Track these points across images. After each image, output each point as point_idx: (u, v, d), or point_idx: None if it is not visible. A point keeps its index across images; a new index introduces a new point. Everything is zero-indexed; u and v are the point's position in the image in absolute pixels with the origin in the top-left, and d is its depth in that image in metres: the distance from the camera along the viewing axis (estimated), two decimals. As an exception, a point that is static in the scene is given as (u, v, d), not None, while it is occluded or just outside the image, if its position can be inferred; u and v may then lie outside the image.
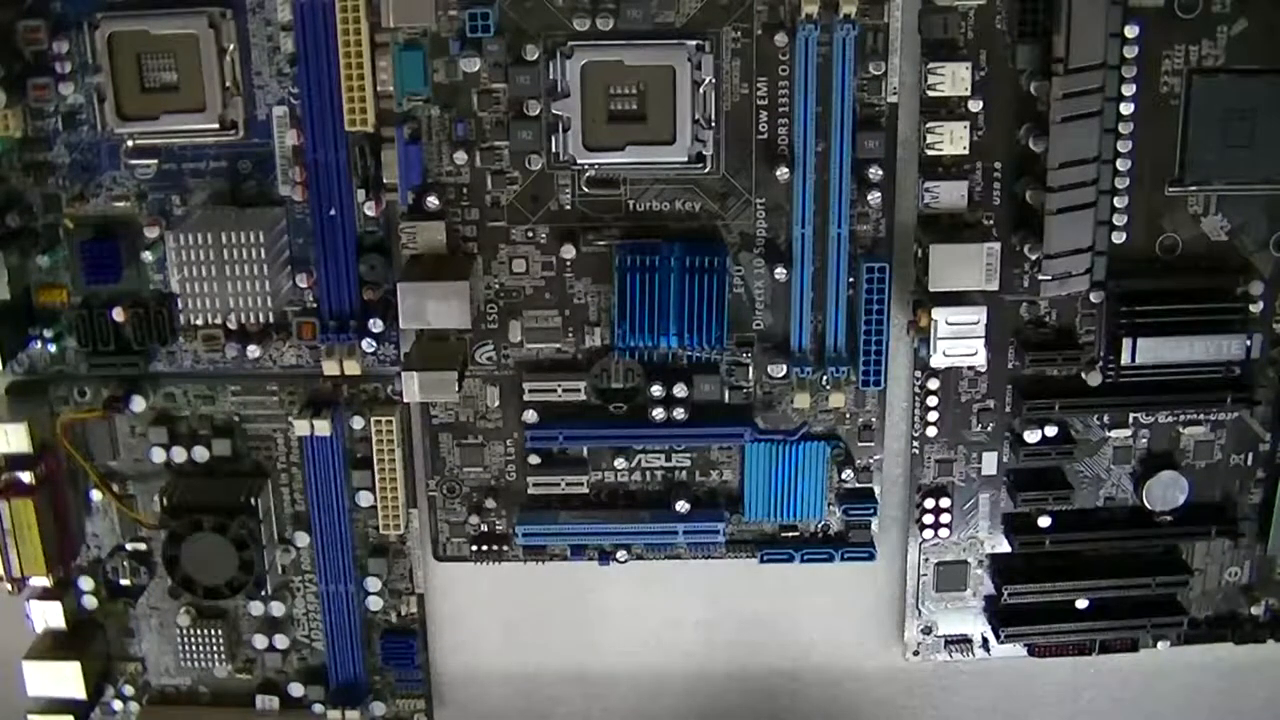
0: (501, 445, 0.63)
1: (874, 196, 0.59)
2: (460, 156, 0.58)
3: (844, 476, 0.64)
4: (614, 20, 0.56)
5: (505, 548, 0.65)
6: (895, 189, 0.60)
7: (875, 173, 0.59)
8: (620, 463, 0.64)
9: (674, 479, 0.64)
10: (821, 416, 0.63)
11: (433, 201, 0.59)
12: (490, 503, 0.64)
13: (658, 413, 0.62)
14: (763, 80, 0.58)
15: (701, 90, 0.57)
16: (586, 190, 0.60)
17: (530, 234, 0.60)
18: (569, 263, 0.60)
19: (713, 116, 0.58)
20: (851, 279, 0.60)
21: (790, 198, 0.59)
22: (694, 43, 0.57)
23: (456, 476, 0.64)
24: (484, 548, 0.65)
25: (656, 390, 0.62)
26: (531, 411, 0.62)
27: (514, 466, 0.64)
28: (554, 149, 0.58)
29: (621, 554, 0.65)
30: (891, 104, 0.59)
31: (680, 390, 0.61)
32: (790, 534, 0.65)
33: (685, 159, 0.58)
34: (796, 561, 0.65)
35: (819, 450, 0.63)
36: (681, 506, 0.64)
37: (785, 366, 0.62)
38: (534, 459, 0.63)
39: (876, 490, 0.65)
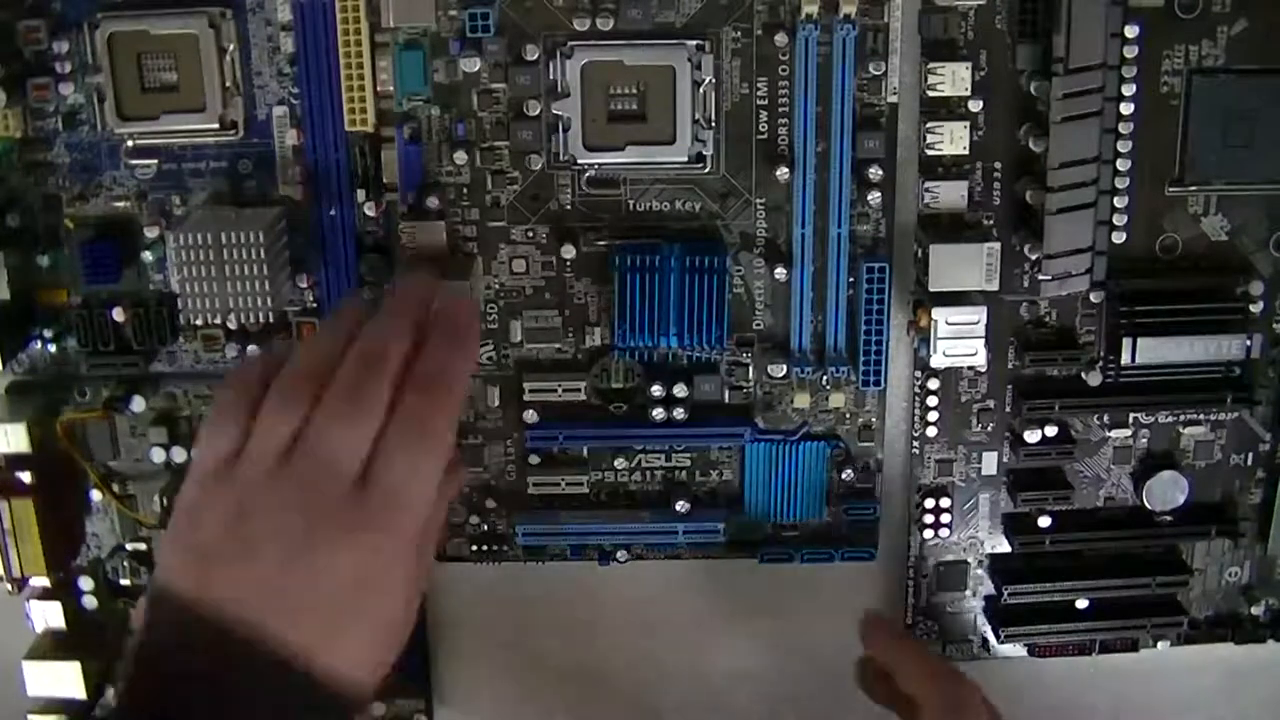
0: (501, 445, 0.63)
1: (874, 196, 0.59)
2: (460, 156, 0.58)
3: (844, 476, 0.64)
4: (614, 20, 0.56)
5: (505, 548, 0.65)
6: (895, 189, 0.60)
7: (875, 173, 0.59)
8: (620, 462, 0.63)
9: (674, 479, 0.64)
10: (821, 416, 0.63)
11: (433, 201, 0.59)
12: (490, 503, 0.64)
13: (658, 413, 0.62)
14: (763, 80, 0.58)
15: (701, 90, 0.57)
16: (587, 190, 0.59)
17: (530, 234, 0.60)
18: (569, 263, 0.60)
19: (713, 116, 0.58)
20: (851, 279, 0.60)
21: (790, 198, 0.59)
22: (694, 43, 0.57)
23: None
24: (484, 548, 0.65)
25: (657, 390, 0.62)
26: (531, 411, 0.62)
27: (514, 466, 0.64)
28: (554, 149, 0.58)
29: (621, 554, 0.65)
30: (891, 104, 0.59)
31: (680, 390, 0.61)
32: (790, 534, 0.65)
33: (685, 159, 0.58)
34: (796, 561, 0.65)
35: (819, 450, 0.63)
36: (681, 506, 0.64)
37: (785, 366, 0.62)
38: (534, 459, 0.63)
39: (876, 490, 0.65)
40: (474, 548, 0.65)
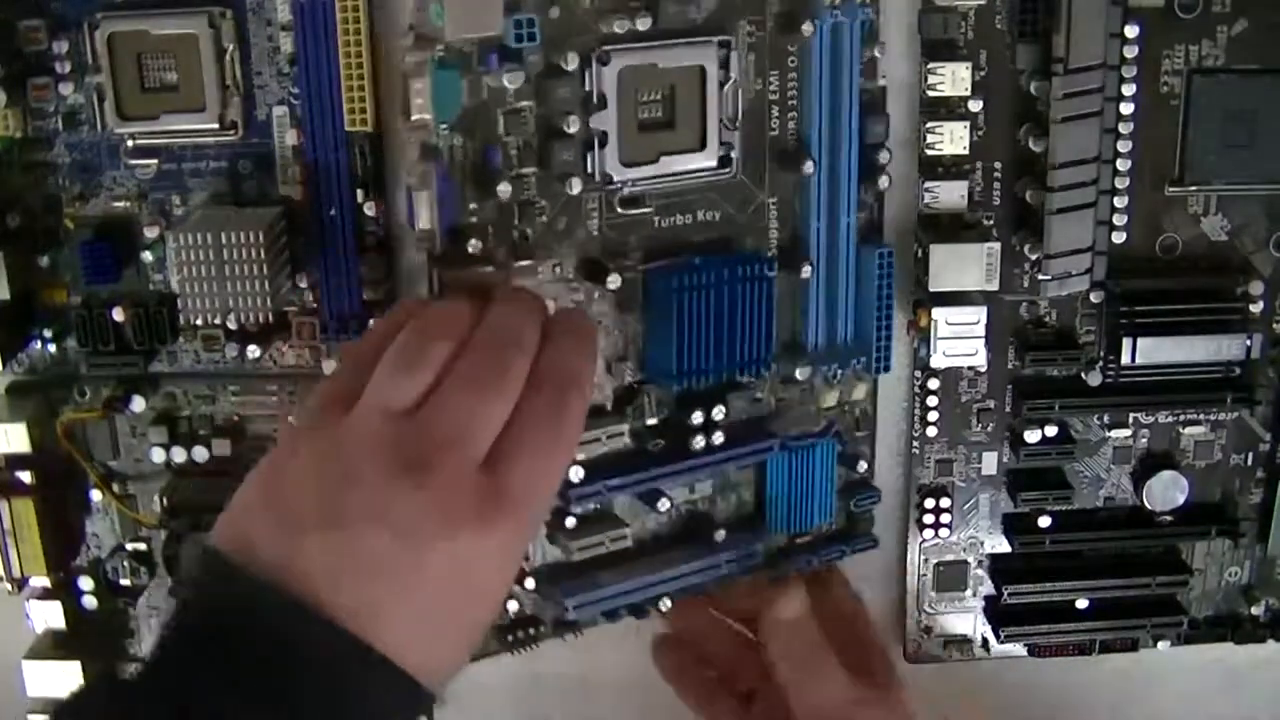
0: None
1: (883, 182, 0.57)
2: (504, 189, 0.50)
3: (853, 470, 0.62)
4: (652, 19, 0.51)
5: (537, 630, 0.57)
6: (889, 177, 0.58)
7: (885, 156, 0.56)
8: (663, 504, 0.57)
9: (697, 510, 0.59)
10: (824, 413, 0.61)
11: (474, 244, 0.49)
12: (529, 583, 0.56)
13: (697, 441, 0.56)
14: (775, 74, 0.55)
15: (726, 89, 0.54)
16: (620, 211, 0.53)
17: (557, 269, 0.53)
18: (602, 296, 0.53)
19: (738, 116, 0.54)
20: (859, 267, 0.58)
21: (805, 193, 0.56)
22: (719, 39, 0.53)
23: None
24: (515, 635, 0.57)
25: (697, 417, 0.55)
26: (577, 468, 0.53)
27: (547, 536, 0.56)
28: (588, 169, 0.52)
29: (664, 603, 0.58)
30: (881, 87, 0.57)
31: (718, 412, 0.56)
32: (802, 539, 0.62)
33: (715, 164, 0.54)
34: (817, 565, 0.62)
35: (829, 449, 0.60)
36: (719, 535, 0.59)
37: (809, 367, 0.58)
38: (570, 522, 0.55)
39: (873, 477, 0.63)
40: (508, 637, 0.56)
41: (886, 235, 0.60)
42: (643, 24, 0.51)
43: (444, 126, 0.48)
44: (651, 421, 0.56)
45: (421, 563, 0.39)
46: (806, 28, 0.54)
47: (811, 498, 0.61)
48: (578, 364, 0.44)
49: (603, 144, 0.51)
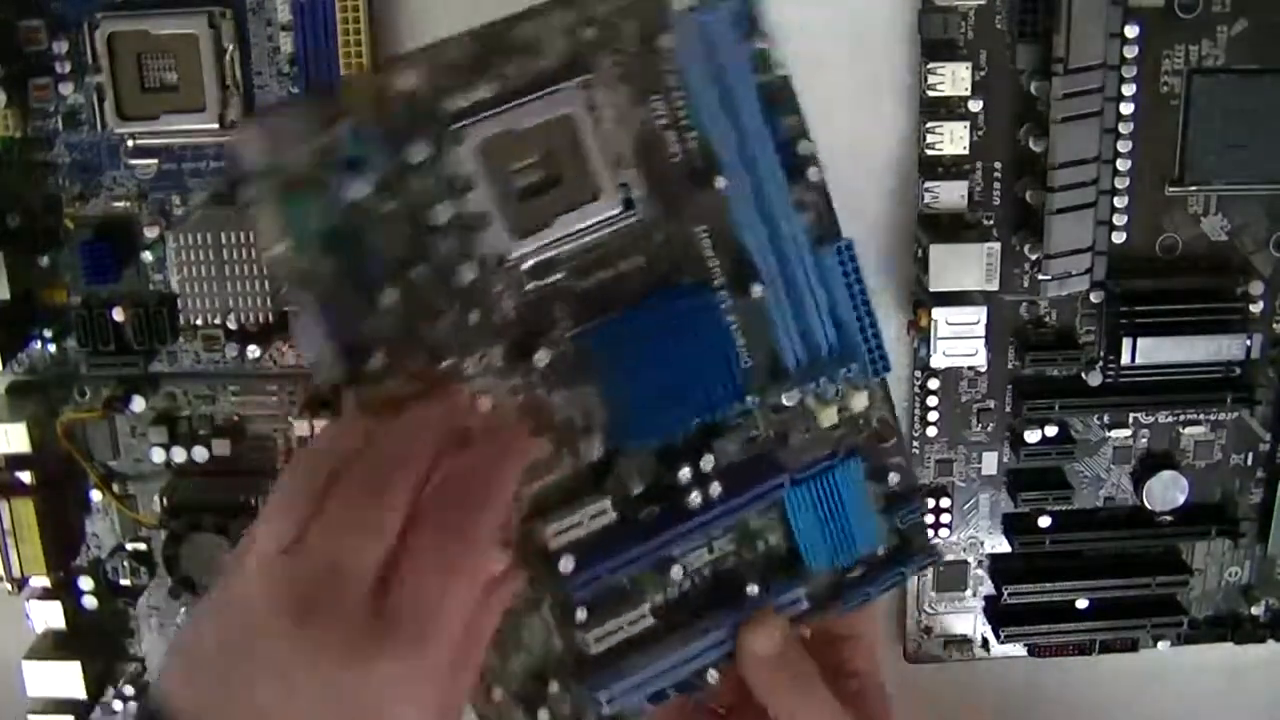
0: (537, 614, 0.50)
1: (812, 174, 0.51)
2: (389, 296, 0.45)
3: (890, 482, 0.54)
4: (496, 85, 0.47)
5: None
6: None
7: (806, 146, 0.50)
8: (676, 572, 0.51)
9: (722, 568, 0.53)
10: (833, 432, 0.53)
11: (378, 358, 0.45)
12: (553, 687, 0.50)
13: (694, 497, 0.51)
14: (657, 98, 0.49)
15: (604, 128, 0.49)
16: (533, 284, 0.48)
17: (484, 360, 0.48)
18: (539, 375, 0.48)
19: (628, 153, 0.49)
20: (820, 270, 0.51)
21: (731, 210, 0.51)
22: (579, 80, 0.48)
23: (498, 675, 0.50)
24: None
25: (685, 474, 0.51)
26: (566, 558, 0.49)
27: (560, 632, 0.51)
28: (478, 254, 0.47)
29: (712, 674, 0.52)
30: (783, 77, 0.50)
31: (707, 462, 0.51)
32: (852, 572, 0.55)
33: (620, 209, 0.49)
34: (875, 597, 0.55)
35: (852, 469, 0.54)
36: (752, 590, 0.53)
37: (795, 390, 0.52)
38: (580, 614, 0.50)
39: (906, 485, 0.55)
40: None
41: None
42: (486, 91, 0.47)
43: (312, 252, 0.45)
44: (637, 490, 0.51)
45: (320, 706, 0.38)
46: (665, 41, 0.49)
47: (848, 525, 0.55)
48: (483, 475, 0.43)
49: (486, 225, 0.48)
